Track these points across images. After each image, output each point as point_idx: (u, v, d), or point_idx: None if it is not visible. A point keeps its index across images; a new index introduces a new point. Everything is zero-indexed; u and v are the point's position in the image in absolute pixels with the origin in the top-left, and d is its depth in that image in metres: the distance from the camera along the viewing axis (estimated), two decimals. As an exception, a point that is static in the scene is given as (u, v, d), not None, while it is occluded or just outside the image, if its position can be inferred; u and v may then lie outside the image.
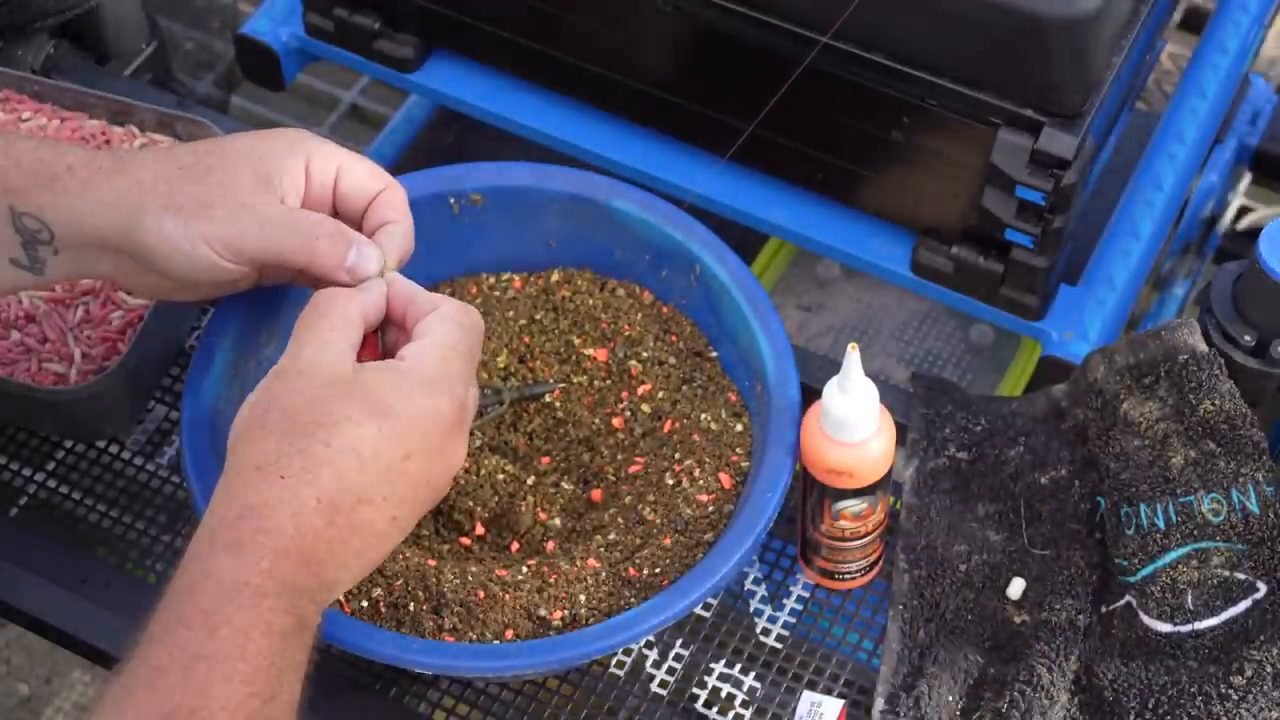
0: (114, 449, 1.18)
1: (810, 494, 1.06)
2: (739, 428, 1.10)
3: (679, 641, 1.10)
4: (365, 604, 1.02)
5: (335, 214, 1.04)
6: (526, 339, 1.16)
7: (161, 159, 1.00)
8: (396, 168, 1.63)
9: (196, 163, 0.99)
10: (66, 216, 0.98)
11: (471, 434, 1.12)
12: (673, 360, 1.14)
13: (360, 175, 1.03)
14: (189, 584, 0.87)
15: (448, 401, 0.94)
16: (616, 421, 1.13)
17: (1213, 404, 1.06)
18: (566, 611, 1.03)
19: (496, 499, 1.10)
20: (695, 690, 1.08)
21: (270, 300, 1.11)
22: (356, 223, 1.04)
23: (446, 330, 0.97)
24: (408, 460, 0.92)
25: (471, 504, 1.10)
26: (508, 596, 1.03)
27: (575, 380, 1.14)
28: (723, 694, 1.08)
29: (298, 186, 1.01)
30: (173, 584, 0.88)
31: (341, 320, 0.96)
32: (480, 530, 1.10)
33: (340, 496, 0.90)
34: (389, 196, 1.04)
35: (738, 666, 1.09)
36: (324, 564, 0.90)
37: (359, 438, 0.91)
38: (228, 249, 0.98)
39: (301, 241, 0.99)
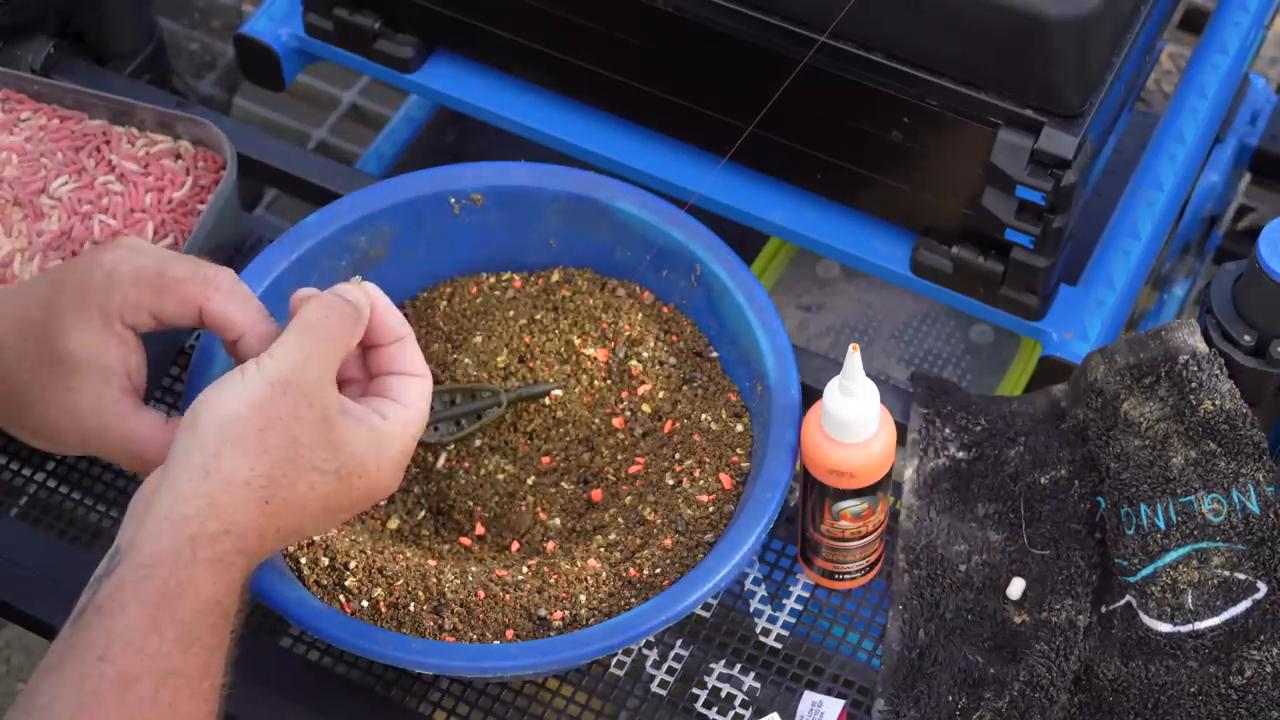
0: (114, 449, 1.18)
1: (810, 494, 1.06)
2: (739, 428, 1.10)
3: (679, 641, 1.10)
4: (365, 604, 1.02)
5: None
6: (526, 339, 1.16)
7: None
8: (396, 168, 1.64)
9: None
10: None
11: (471, 434, 1.12)
12: (673, 360, 1.14)
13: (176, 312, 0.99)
14: (164, 590, 0.86)
15: (401, 475, 0.97)
16: (617, 421, 1.13)
17: (1213, 404, 1.06)
18: (566, 612, 1.03)
19: (496, 499, 1.10)
20: (695, 690, 1.08)
21: (271, 300, 1.11)
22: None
23: (424, 405, 0.98)
24: (349, 512, 0.96)
25: (471, 504, 1.10)
26: (508, 596, 1.03)
27: (575, 380, 1.14)
28: (723, 694, 1.08)
29: (100, 358, 0.97)
30: (141, 579, 0.86)
31: (345, 347, 0.95)
32: (480, 530, 1.10)
33: (292, 529, 0.93)
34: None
35: (738, 666, 1.09)
36: (251, 572, 0.92)
37: (332, 490, 0.93)
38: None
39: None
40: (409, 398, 0.97)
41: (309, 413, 0.91)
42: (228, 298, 0.97)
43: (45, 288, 0.98)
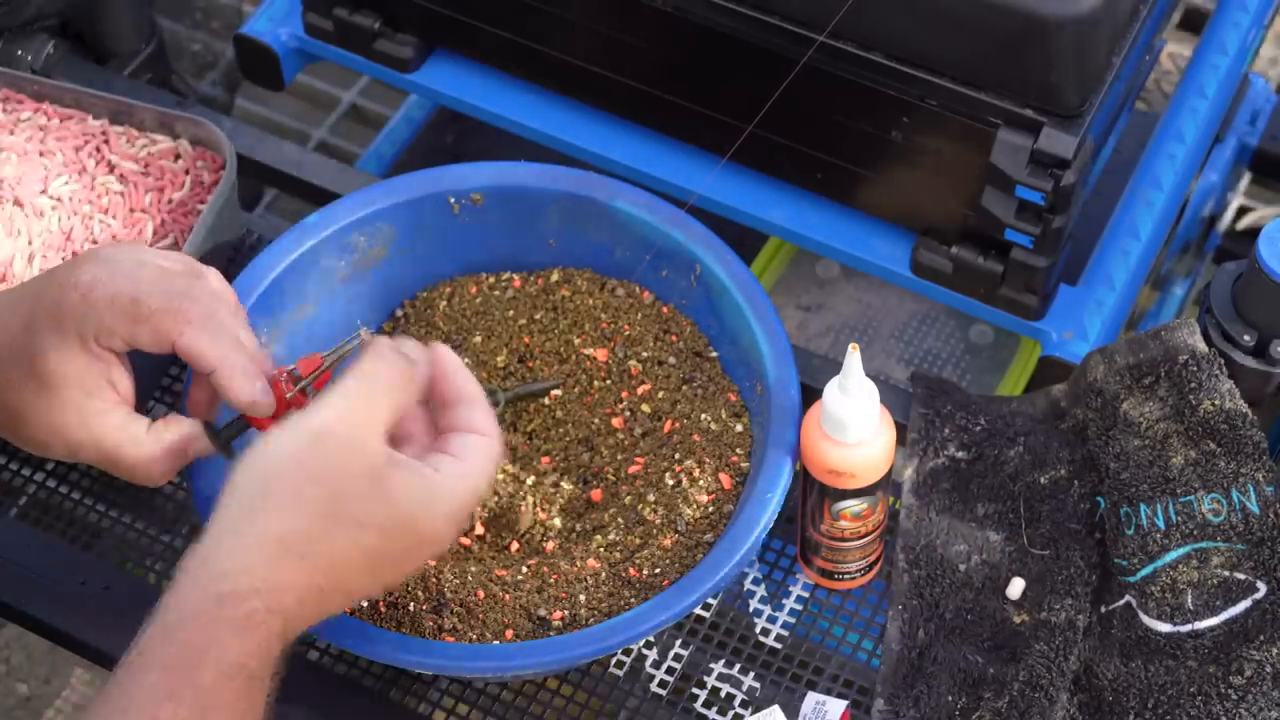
0: (114, 449, 1.18)
1: (810, 494, 1.06)
2: (739, 428, 1.10)
3: (679, 641, 1.10)
4: (365, 604, 1.02)
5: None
6: (526, 339, 1.16)
7: None
8: (396, 168, 1.64)
9: None
10: None
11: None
12: (673, 360, 1.14)
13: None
14: (186, 653, 0.82)
15: (456, 532, 0.91)
16: (616, 421, 1.13)
17: (1213, 404, 1.06)
18: (566, 611, 1.03)
19: (496, 499, 1.10)
20: (695, 690, 1.08)
21: (271, 300, 1.11)
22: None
23: (486, 464, 0.92)
24: (398, 570, 0.91)
25: (471, 504, 1.10)
26: (508, 596, 1.03)
27: (575, 380, 1.14)
28: (722, 694, 1.08)
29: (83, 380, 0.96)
30: (164, 641, 0.83)
31: (399, 402, 0.90)
32: (480, 530, 1.10)
33: (336, 589, 0.88)
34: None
35: (737, 666, 1.09)
36: (293, 638, 0.88)
37: (376, 545, 0.87)
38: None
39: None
40: (467, 454, 0.91)
41: (353, 464, 0.87)
42: (199, 332, 0.95)
43: (25, 303, 0.97)
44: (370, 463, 0.88)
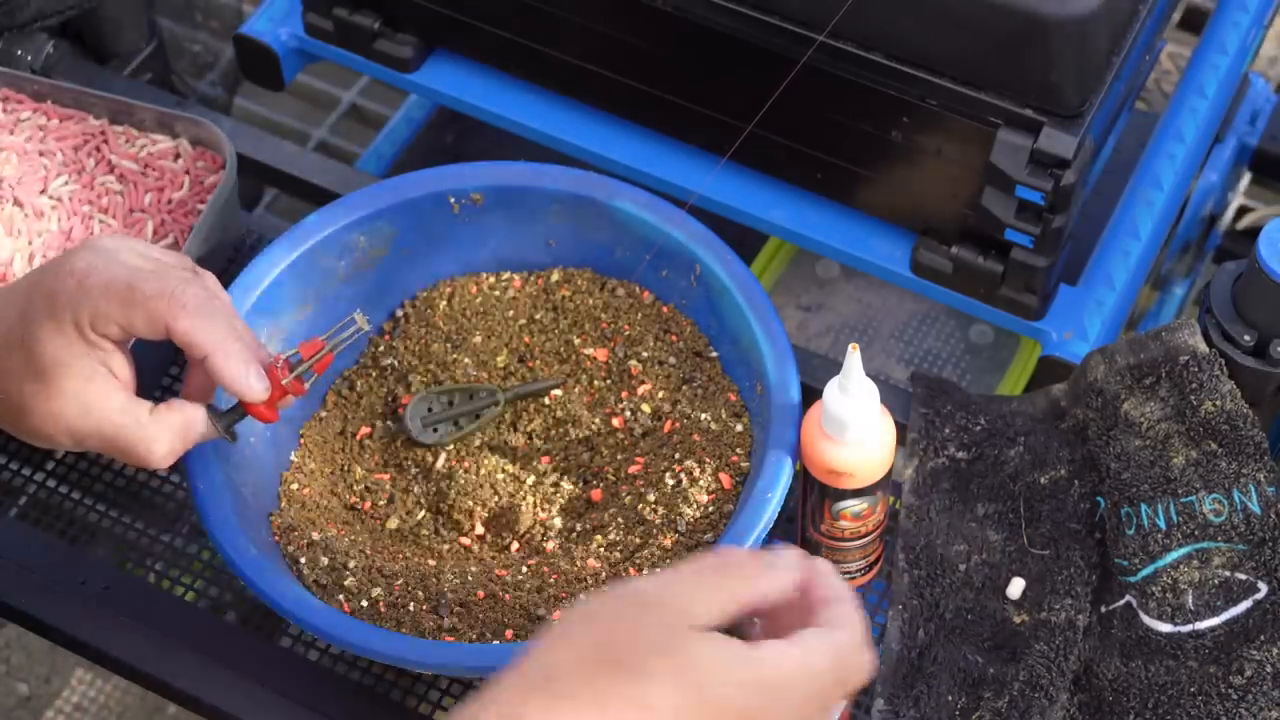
0: (114, 449, 1.18)
1: (810, 494, 1.06)
2: (739, 428, 1.10)
3: (679, 641, 1.10)
4: (365, 604, 1.02)
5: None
6: (526, 339, 1.16)
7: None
8: (396, 168, 1.64)
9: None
10: None
11: (471, 434, 1.12)
12: (673, 360, 1.14)
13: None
14: None
15: (773, 709, 0.79)
16: (616, 421, 1.13)
17: (1214, 404, 1.06)
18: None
19: (496, 499, 1.10)
20: (695, 690, 1.08)
21: (271, 300, 1.11)
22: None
23: (822, 654, 0.81)
24: None
25: (471, 504, 1.10)
26: (508, 596, 1.03)
27: (575, 380, 1.14)
28: (723, 694, 1.08)
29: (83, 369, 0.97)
30: None
31: (734, 594, 0.81)
32: (480, 530, 1.10)
33: None
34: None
35: (738, 666, 1.09)
36: None
37: (659, 702, 0.77)
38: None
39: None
40: (803, 640, 0.81)
41: (650, 618, 0.79)
42: (193, 317, 0.95)
43: (22, 294, 0.97)
44: (671, 621, 0.79)
